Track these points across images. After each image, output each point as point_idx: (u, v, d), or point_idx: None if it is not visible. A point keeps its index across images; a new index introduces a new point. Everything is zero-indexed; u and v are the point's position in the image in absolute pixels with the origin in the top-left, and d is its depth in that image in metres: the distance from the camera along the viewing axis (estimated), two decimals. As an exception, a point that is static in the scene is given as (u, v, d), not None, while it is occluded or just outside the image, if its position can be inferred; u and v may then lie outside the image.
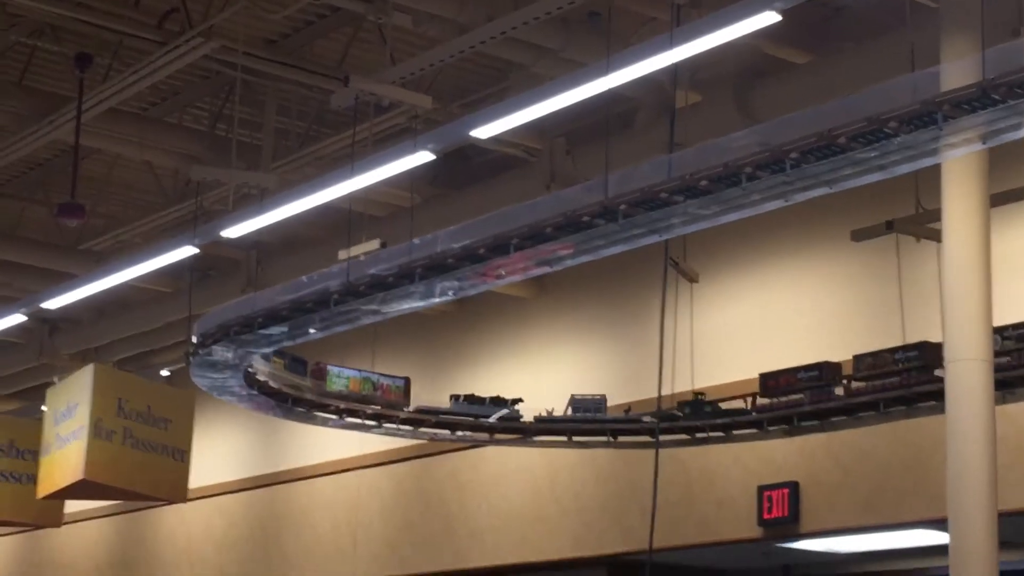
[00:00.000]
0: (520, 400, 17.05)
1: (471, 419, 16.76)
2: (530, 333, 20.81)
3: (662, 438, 15.43)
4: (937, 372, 13.83)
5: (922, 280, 15.41)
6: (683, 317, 16.39)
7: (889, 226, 15.24)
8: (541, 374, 20.07)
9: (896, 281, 15.68)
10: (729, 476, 17.72)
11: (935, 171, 12.53)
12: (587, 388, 17.89)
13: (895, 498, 16.10)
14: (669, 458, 16.67)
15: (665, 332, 12.94)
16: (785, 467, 17.14)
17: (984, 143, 10.10)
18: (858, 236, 15.96)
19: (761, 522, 17.28)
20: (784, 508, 17.07)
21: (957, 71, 10.47)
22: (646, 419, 16.30)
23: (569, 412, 16.57)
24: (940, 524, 13.25)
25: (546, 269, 12.93)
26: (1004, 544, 12.33)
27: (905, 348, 14.38)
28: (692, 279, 16.91)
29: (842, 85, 13.71)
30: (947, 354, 12.41)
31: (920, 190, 14.50)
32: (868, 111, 10.03)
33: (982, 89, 9.51)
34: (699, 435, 15.99)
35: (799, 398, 15.02)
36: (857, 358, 14.71)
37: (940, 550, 13.34)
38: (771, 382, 15.32)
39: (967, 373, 12.22)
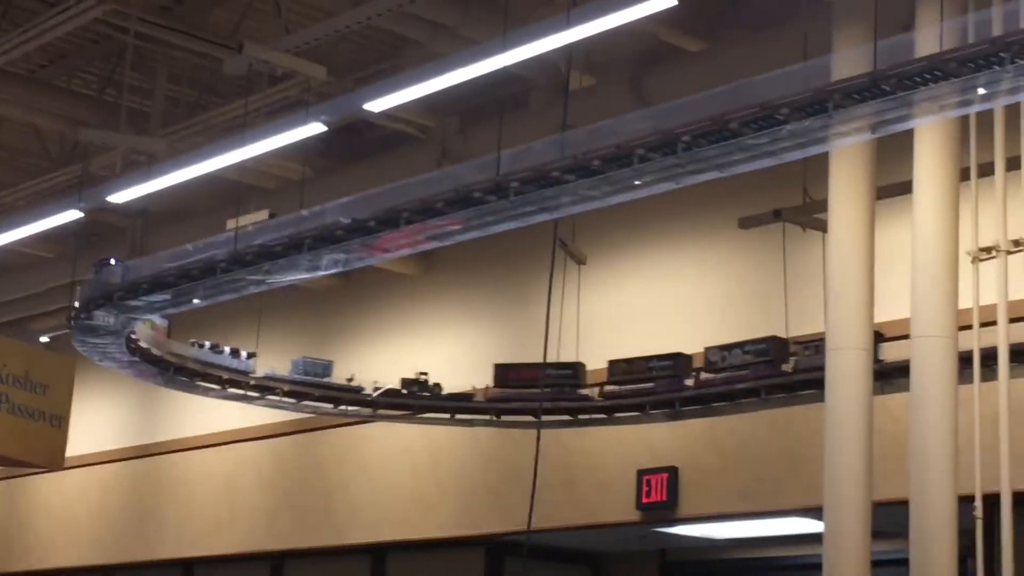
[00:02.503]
0: (254, 354, 17.22)
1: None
2: (417, 310, 20.76)
3: (544, 418, 15.48)
4: (688, 381, 15.13)
5: (807, 269, 15.54)
6: (570, 298, 16.42)
7: (776, 215, 15.38)
8: (427, 350, 20.02)
9: (781, 269, 15.82)
10: (610, 460, 17.79)
11: (823, 162, 12.66)
12: (474, 365, 17.93)
13: (772, 486, 16.25)
14: (551, 441, 16.70)
15: (551, 312, 12.94)
16: (666, 452, 17.24)
17: (873, 133, 10.25)
18: (746, 224, 16.09)
19: (640, 506, 17.37)
20: (663, 492, 17.17)
21: (848, 61, 10.63)
22: (365, 392, 16.94)
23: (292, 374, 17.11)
24: (816, 512, 13.38)
25: (435, 244, 12.92)
26: (877, 534, 12.47)
27: (660, 357, 15.49)
28: (580, 261, 16.97)
29: (736, 73, 13.64)
30: (828, 342, 12.54)
31: (808, 180, 14.63)
32: (760, 98, 10.13)
33: (872, 79, 9.64)
34: (581, 416, 16.08)
35: (538, 391, 15.77)
36: (612, 363, 15.74)
37: (815, 538, 13.47)
38: (512, 374, 16.26)
39: (847, 361, 12.36)
